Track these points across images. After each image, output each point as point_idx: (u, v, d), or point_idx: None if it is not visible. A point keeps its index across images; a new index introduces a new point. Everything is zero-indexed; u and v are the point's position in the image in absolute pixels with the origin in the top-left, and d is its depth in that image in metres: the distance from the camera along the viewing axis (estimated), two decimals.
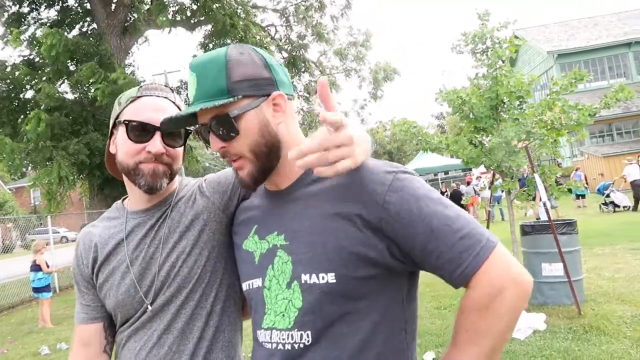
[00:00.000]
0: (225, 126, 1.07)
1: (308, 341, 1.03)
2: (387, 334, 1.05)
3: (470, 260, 0.97)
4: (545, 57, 27.79)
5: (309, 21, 17.98)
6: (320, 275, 1.04)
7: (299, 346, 1.04)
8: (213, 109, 1.07)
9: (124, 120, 1.29)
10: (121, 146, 1.31)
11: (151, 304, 1.29)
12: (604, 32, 28.05)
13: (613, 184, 16.10)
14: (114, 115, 1.36)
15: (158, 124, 1.26)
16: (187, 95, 1.26)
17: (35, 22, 13.53)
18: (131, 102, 1.32)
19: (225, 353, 1.32)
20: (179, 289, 1.29)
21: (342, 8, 18.14)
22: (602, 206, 16.02)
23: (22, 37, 12.48)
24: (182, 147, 1.36)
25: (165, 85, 1.39)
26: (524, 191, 5.85)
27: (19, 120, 11.49)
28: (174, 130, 1.26)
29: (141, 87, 1.35)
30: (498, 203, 17.02)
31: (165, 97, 1.34)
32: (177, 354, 1.27)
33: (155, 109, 1.29)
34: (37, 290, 8.93)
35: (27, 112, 11.44)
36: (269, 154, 1.10)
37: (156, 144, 1.27)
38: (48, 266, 9.06)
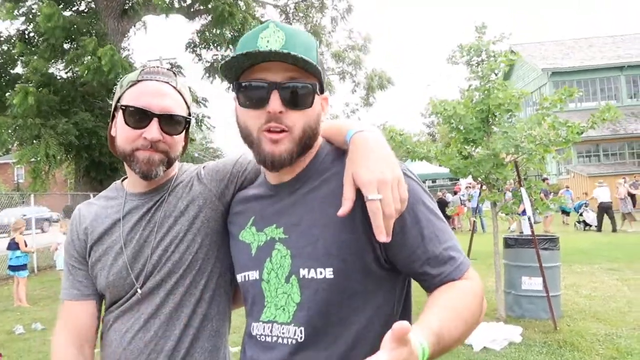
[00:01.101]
0: (304, 94, 1.04)
1: (301, 337, 1.04)
2: (378, 332, 1.05)
3: (451, 271, 1.03)
4: (539, 73, 28.11)
5: (308, 20, 17.98)
6: (319, 270, 1.04)
7: (296, 341, 1.04)
8: (295, 69, 1.02)
9: (122, 105, 1.27)
10: (120, 131, 1.29)
11: (141, 287, 1.28)
12: (598, 53, 28.45)
13: (586, 204, 16.52)
14: (116, 98, 1.34)
15: (155, 111, 1.24)
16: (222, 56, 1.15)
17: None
18: (131, 85, 1.30)
19: (212, 342, 1.32)
20: (169, 273, 1.28)
21: (343, 11, 18.18)
22: (577, 224, 16.73)
23: (18, 12, 12.28)
24: (183, 134, 1.34)
25: (168, 69, 1.35)
26: (512, 204, 5.92)
27: (7, 94, 11.30)
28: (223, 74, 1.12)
29: (143, 70, 1.33)
30: (480, 214, 17.18)
31: (167, 82, 1.31)
32: (162, 339, 1.27)
33: (154, 94, 1.27)
34: (13, 268, 8.81)
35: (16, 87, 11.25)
36: (309, 141, 1.10)
37: (152, 130, 1.24)
38: (26, 245, 8.94)
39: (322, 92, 1.11)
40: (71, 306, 1.36)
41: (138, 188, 1.37)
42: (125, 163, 1.33)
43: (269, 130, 1.04)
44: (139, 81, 1.30)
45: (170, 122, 1.28)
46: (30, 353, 5.75)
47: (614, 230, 15.25)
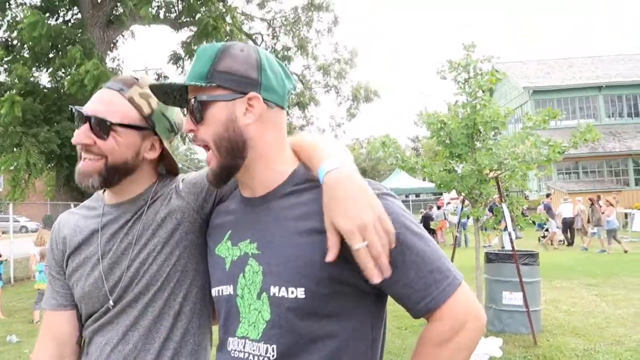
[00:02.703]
0: (195, 108, 1.09)
1: (273, 355, 1.02)
2: (352, 354, 1.05)
3: (436, 295, 1.01)
4: (521, 91, 28.69)
5: (295, 33, 18.14)
6: (290, 289, 1.02)
7: (268, 359, 1.03)
8: (192, 89, 1.10)
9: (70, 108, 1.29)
10: None
11: (116, 300, 1.26)
12: (578, 73, 29.18)
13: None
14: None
15: (88, 113, 1.21)
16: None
17: (17, 6, 13.23)
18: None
19: (194, 357, 1.29)
20: (147, 286, 1.26)
21: (329, 23, 18.41)
22: (541, 239, 17.09)
23: (2, 20, 12.17)
24: (135, 141, 1.27)
25: (133, 78, 1.31)
26: (493, 218, 6.02)
27: None
28: (166, 103, 1.20)
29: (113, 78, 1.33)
30: (464, 229, 17.36)
31: (119, 90, 1.27)
32: (142, 352, 1.24)
33: (94, 100, 1.26)
34: None
35: (0, 96, 11.09)
36: (230, 150, 1.09)
37: (77, 133, 1.23)
38: (0, 255, 8.71)
39: (243, 94, 1.08)
40: (51, 315, 1.36)
41: (113, 199, 1.35)
42: None
43: (204, 149, 1.14)
44: (100, 88, 1.31)
45: (98, 126, 1.22)
46: None
47: (570, 244, 16.04)
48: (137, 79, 1.32)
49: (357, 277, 1.00)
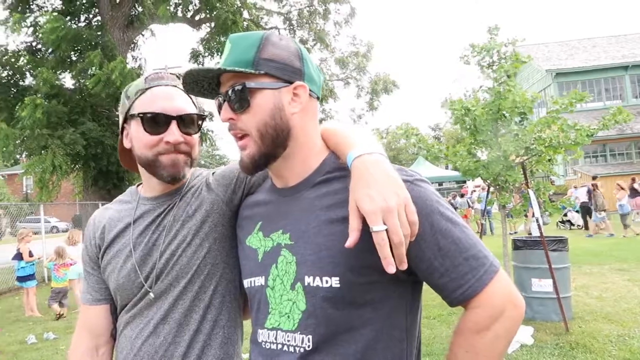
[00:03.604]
0: (239, 96, 1.07)
1: (309, 346, 1.02)
2: (388, 342, 1.04)
3: (473, 282, 1.00)
4: (543, 75, 28.06)
5: (312, 26, 18.08)
6: (324, 278, 1.02)
7: (303, 349, 1.03)
8: (233, 76, 1.07)
9: (139, 113, 1.28)
10: (138, 139, 1.30)
11: (150, 290, 1.29)
12: (603, 54, 28.38)
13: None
14: (124, 109, 1.35)
15: (172, 113, 1.27)
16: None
17: (39, 10, 13.48)
18: (140, 94, 1.31)
19: (223, 350, 1.30)
20: (177, 278, 1.28)
21: (346, 15, 18.28)
22: (559, 224, 17.04)
23: (24, 23, 12.42)
24: (198, 134, 1.36)
25: (171, 74, 1.37)
26: (520, 205, 5.93)
27: (17, 107, 11.41)
28: (198, 94, 1.20)
29: (147, 77, 1.34)
30: (489, 217, 17.20)
31: (175, 86, 1.33)
32: (172, 345, 1.26)
33: (166, 98, 1.28)
34: (20, 279, 8.85)
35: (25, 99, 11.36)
36: (275, 139, 1.08)
37: (174, 133, 1.26)
38: (32, 255, 8.91)
39: (289, 82, 1.08)
40: (86, 310, 1.41)
41: (152, 192, 1.38)
42: (147, 170, 1.34)
43: (236, 138, 1.11)
44: (147, 89, 1.31)
45: (187, 122, 1.30)
46: None
47: (586, 228, 15.86)
48: (172, 73, 1.37)
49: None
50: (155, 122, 1.27)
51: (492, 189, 6.30)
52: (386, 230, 0.92)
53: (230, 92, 1.08)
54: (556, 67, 27.47)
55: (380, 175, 0.99)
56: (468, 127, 5.74)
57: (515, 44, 5.76)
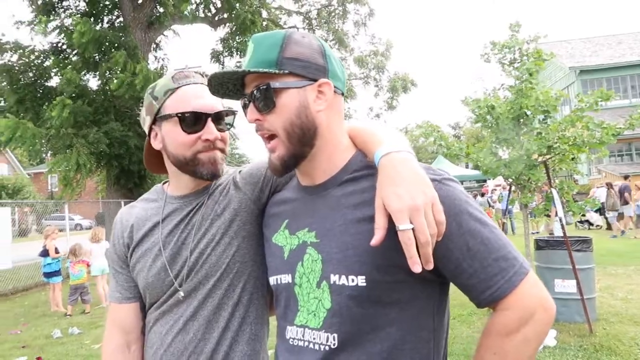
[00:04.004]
0: (264, 96, 1.06)
1: (334, 344, 1.02)
2: (415, 344, 1.03)
3: (502, 284, 0.98)
4: (567, 72, 27.53)
5: (331, 26, 18.06)
6: (350, 277, 1.02)
7: (328, 347, 1.03)
8: (258, 77, 1.07)
9: (176, 113, 1.28)
10: (173, 139, 1.30)
11: (180, 289, 1.30)
12: (628, 50, 27.71)
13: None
14: (152, 111, 1.34)
15: (208, 111, 1.28)
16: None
17: (64, 12, 13.76)
18: (171, 94, 1.31)
19: (250, 346, 1.32)
20: (207, 276, 1.30)
21: (365, 16, 18.23)
22: (578, 224, 16.73)
23: (50, 25, 12.68)
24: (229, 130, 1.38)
25: (195, 72, 1.37)
26: (543, 205, 5.83)
27: (43, 107, 11.67)
28: (222, 95, 1.20)
29: (174, 77, 1.33)
30: (510, 216, 16.98)
31: (202, 83, 1.34)
32: (202, 341, 1.28)
33: (198, 96, 1.29)
34: (47, 275, 9.06)
35: (51, 99, 11.60)
36: (302, 138, 1.07)
37: (212, 130, 1.28)
38: (58, 252, 9.12)
39: (313, 80, 1.08)
40: (116, 308, 1.42)
41: (180, 191, 1.39)
42: (182, 169, 1.33)
43: (264, 138, 1.11)
44: (176, 88, 1.31)
45: (221, 120, 1.32)
46: (67, 357, 5.90)
47: (609, 228, 15.60)
48: (196, 71, 1.38)
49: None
50: (193, 121, 1.28)
51: (513, 188, 6.21)
52: (413, 229, 0.92)
53: (255, 92, 1.08)
54: (580, 64, 26.92)
55: (408, 173, 0.98)
56: (489, 125, 5.67)
57: (537, 40, 5.67)
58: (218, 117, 1.30)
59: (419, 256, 0.92)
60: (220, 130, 1.31)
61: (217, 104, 1.32)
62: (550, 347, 4.85)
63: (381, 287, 1.01)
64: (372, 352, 1.01)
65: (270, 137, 1.10)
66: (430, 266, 0.94)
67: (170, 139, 1.31)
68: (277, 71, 1.05)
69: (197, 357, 1.28)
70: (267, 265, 1.26)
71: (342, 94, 1.16)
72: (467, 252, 0.99)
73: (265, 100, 1.06)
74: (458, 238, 0.99)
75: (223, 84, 1.13)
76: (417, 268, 0.92)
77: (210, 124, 1.28)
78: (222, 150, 1.33)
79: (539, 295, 1.01)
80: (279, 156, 1.09)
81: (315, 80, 1.08)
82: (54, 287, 9.06)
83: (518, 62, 5.67)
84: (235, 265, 1.31)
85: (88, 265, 8.69)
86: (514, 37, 5.69)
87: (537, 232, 14.88)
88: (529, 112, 5.56)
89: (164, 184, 1.48)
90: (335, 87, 1.11)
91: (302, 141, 1.08)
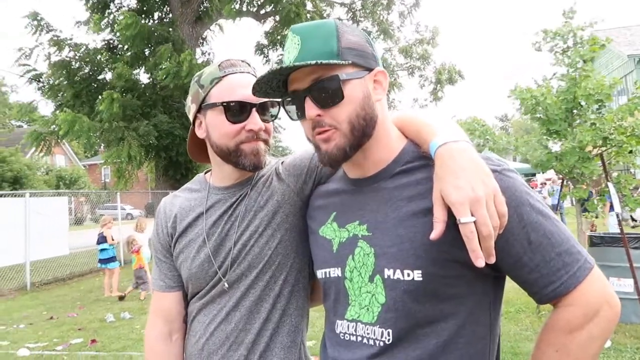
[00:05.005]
0: (330, 89, 1.01)
1: (389, 340, 1.01)
2: (470, 338, 1.00)
3: (566, 279, 0.95)
4: (625, 60, 26.07)
5: (375, 17, 17.84)
6: (406, 271, 0.99)
7: (383, 343, 1.01)
8: (317, 70, 1.01)
9: (222, 102, 1.27)
10: (217, 128, 1.29)
11: (223, 280, 1.31)
12: None
13: None
14: (198, 98, 1.32)
15: (254, 101, 1.25)
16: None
17: (117, 10, 14.28)
18: (217, 82, 1.30)
19: (290, 338, 1.32)
20: (249, 267, 1.30)
21: (410, 6, 17.89)
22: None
23: (103, 22, 13.21)
24: (272, 122, 1.36)
25: (242, 61, 1.35)
26: (599, 199, 5.56)
27: (97, 100, 12.21)
28: (264, 94, 1.14)
29: (221, 65, 1.31)
30: (562, 211, 16.40)
31: (248, 72, 1.32)
32: (243, 332, 1.29)
33: (245, 86, 1.26)
34: (103, 261, 9.48)
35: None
36: (364, 129, 1.04)
37: (257, 121, 1.26)
38: (113, 239, 9.58)
39: (370, 70, 1.05)
40: (159, 296, 1.43)
41: (224, 182, 1.38)
42: (225, 159, 1.32)
43: (319, 133, 1.05)
44: (223, 76, 1.30)
45: (266, 110, 1.30)
46: (119, 340, 6.17)
47: None
48: (242, 60, 1.36)
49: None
50: (238, 111, 1.26)
51: (565, 182, 5.96)
52: (474, 222, 0.89)
53: (316, 86, 1.02)
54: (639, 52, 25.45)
55: (467, 163, 0.94)
56: (539, 117, 5.44)
57: (594, 26, 5.37)
58: (263, 108, 1.28)
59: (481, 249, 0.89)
60: (264, 121, 1.29)
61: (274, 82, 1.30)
62: (604, 349, 4.64)
63: (437, 281, 0.98)
64: (427, 346, 0.99)
65: (327, 130, 1.04)
66: (493, 260, 0.90)
67: (214, 128, 1.30)
68: (342, 62, 1.00)
69: (238, 347, 1.29)
70: (314, 258, 1.24)
71: None
72: (528, 246, 0.96)
73: (332, 94, 1.01)
74: (519, 231, 0.95)
75: (268, 81, 1.08)
76: (480, 262, 0.89)
77: (255, 115, 1.27)
78: (266, 142, 1.31)
79: (604, 291, 0.97)
80: (339, 146, 1.03)
81: (371, 70, 1.05)
82: (110, 273, 9.48)
83: (572, 51, 5.40)
84: (278, 258, 1.31)
85: (138, 253, 9.03)
86: (568, 24, 5.42)
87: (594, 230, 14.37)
88: (582, 102, 5.29)
89: (205, 173, 1.48)
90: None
91: (365, 132, 1.04)
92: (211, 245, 1.32)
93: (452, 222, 0.93)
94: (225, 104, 1.27)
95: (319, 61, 0.98)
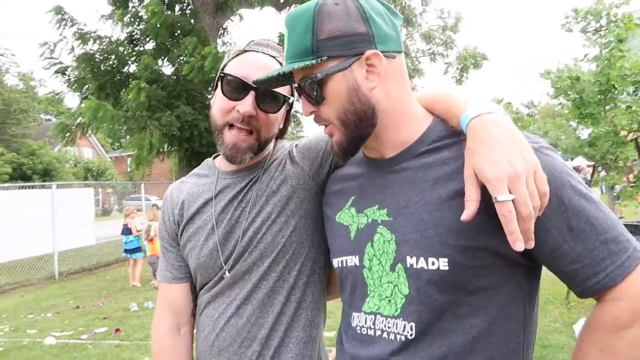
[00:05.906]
0: (310, 90, 0.97)
1: (411, 334, 0.93)
2: (501, 336, 0.91)
3: (612, 270, 0.84)
4: None
5: (397, 2, 17.53)
6: (430, 260, 0.91)
7: (405, 337, 0.93)
8: (301, 70, 0.97)
9: (221, 73, 1.22)
10: (216, 100, 1.24)
11: (229, 270, 1.23)
12: None
13: None
14: (221, 66, 1.28)
15: (254, 83, 1.17)
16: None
17: (140, 4, 14.38)
18: (237, 55, 1.24)
19: (307, 332, 1.25)
20: (261, 257, 1.22)
21: None
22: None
23: (126, 17, 13.34)
24: (281, 114, 1.27)
25: (278, 44, 1.28)
26: (632, 187, 5.30)
27: (122, 91, 12.34)
28: (271, 88, 1.15)
29: (252, 41, 1.26)
30: None
31: (274, 57, 1.24)
32: (255, 326, 1.22)
33: (256, 66, 1.19)
34: (128, 251, 9.64)
35: (128, 84, 12.23)
36: (358, 123, 0.97)
37: (246, 104, 1.18)
38: (139, 230, 9.68)
39: (360, 54, 0.95)
40: (166, 288, 1.37)
41: (232, 166, 1.31)
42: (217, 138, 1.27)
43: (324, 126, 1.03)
44: (245, 51, 1.23)
45: (267, 98, 1.20)
46: (143, 329, 6.24)
47: None
48: (278, 43, 1.29)
49: (510, 247, 0.83)
50: (234, 88, 1.19)
51: (598, 168, 5.71)
52: (513, 200, 0.78)
53: (303, 86, 1.00)
54: None
55: (504, 136, 0.84)
56: (572, 99, 5.19)
57: (629, 2, 5.09)
58: (264, 95, 1.19)
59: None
60: (263, 110, 1.20)
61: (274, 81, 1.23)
62: None
63: (465, 271, 0.90)
64: (454, 344, 0.91)
65: (328, 124, 1.02)
66: (532, 244, 0.80)
67: (215, 99, 1.26)
68: (314, 62, 0.94)
69: (251, 343, 1.22)
70: (330, 246, 1.16)
71: (401, 52, 1.01)
72: (568, 233, 0.85)
73: (313, 95, 0.98)
74: (558, 216, 0.85)
75: (269, 82, 1.06)
76: (519, 245, 0.79)
77: (249, 97, 1.18)
78: (257, 132, 1.22)
79: None
80: (337, 141, 1.00)
81: (361, 54, 0.94)
82: (135, 263, 9.62)
83: (605, 30, 5.13)
84: (292, 246, 1.23)
85: (152, 241, 9.10)
86: (601, 2, 5.14)
87: (623, 217, 13.83)
88: (616, 85, 5.03)
89: (214, 157, 1.41)
90: (386, 52, 0.96)
91: (360, 126, 0.98)
92: (220, 233, 1.25)
93: (483, 207, 0.83)
94: (224, 75, 1.21)
95: (281, 71, 0.97)
